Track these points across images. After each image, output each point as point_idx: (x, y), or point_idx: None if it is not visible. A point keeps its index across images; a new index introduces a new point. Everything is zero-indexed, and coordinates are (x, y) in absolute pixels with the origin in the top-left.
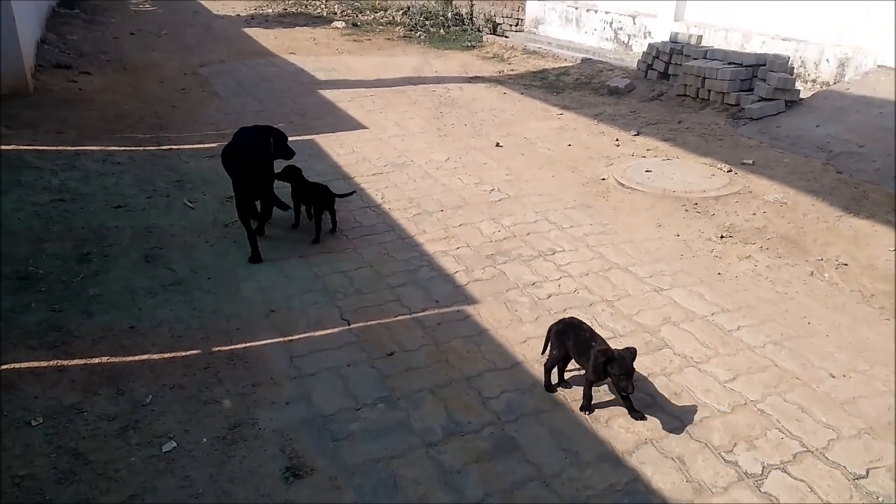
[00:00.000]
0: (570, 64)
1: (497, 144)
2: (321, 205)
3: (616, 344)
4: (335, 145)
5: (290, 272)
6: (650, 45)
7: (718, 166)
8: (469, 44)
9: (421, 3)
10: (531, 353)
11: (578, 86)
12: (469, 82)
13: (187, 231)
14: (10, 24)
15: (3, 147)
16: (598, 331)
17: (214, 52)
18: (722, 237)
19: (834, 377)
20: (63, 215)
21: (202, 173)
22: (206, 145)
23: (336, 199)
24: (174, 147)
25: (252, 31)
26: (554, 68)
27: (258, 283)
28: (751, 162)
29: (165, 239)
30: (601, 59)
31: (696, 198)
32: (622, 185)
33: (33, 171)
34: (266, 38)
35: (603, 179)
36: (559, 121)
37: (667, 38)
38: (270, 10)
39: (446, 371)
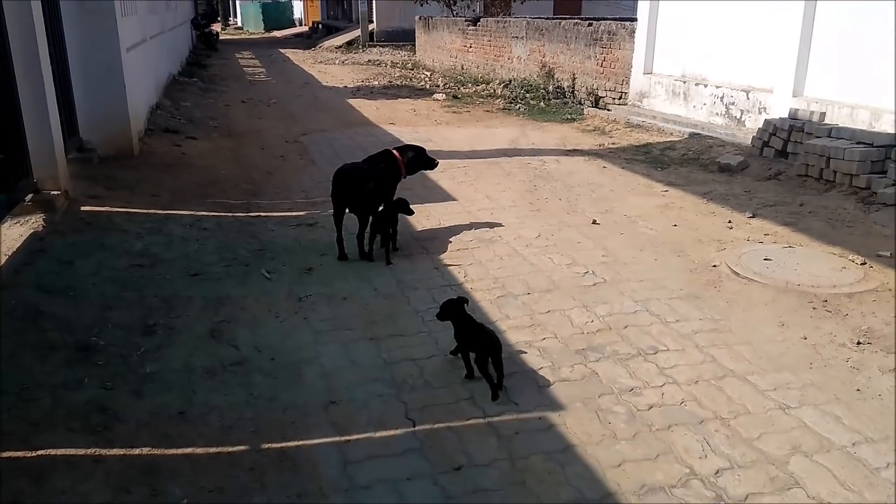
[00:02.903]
0: (677, 138)
1: (594, 222)
2: (484, 352)
3: (733, 479)
4: (421, 217)
5: (358, 356)
6: (766, 122)
7: (850, 257)
8: (569, 116)
9: (523, 76)
10: (627, 483)
11: (685, 161)
12: (567, 155)
13: (259, 303)
14: (121, 93)
15: (96, 208)
16: (711, 457)
17: (317, 121)
18: (859, 343)
19: None
20: (138, 282)
21: (285, 243)
22: (294, 213)
23: (495, 345)
24: (262, 214)
25: (355, 102)
26: (658, 142)
27: (322, 367)
28: (888, 254)
29: (236, 312)
30: (711, 134)
31: (825, 293)
32: (737, 273)
33: (119, 235)
34: (368, 108)
35: (714, 266)
36: (663, 198)
37: (785, 115)
38: (376, 83)
39: (521, 496)
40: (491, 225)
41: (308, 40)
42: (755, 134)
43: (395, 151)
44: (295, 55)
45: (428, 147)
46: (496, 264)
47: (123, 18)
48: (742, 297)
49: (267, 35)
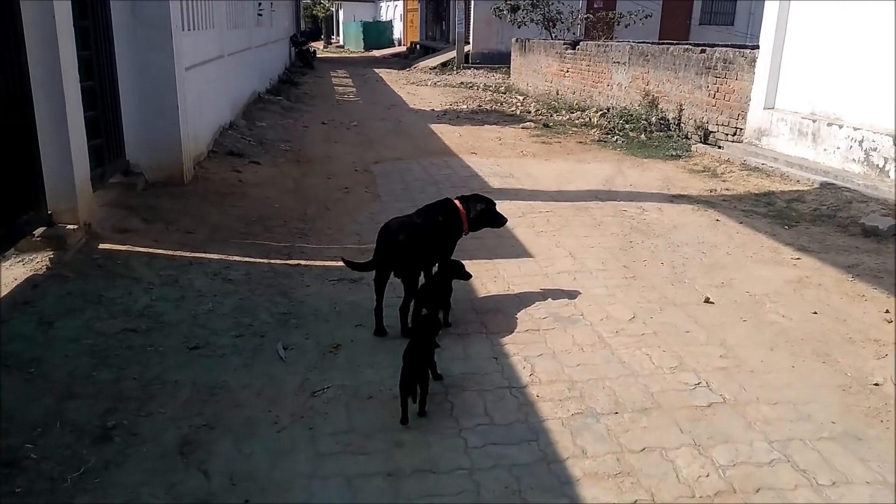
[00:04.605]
0: (805, 188)
1: (706, 300)
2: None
3: None
4: (487, 278)
5: (366, 495)
6: None
7: None
8: (674, 153)
9: (622, 105)
10: None
11: (818, 219)
12: (671, 202)
13: (260, 398)
14: (174, 115)
15: (116, 247)
16: None
17: (394, 147)
18: None
19: None
20: (122, 355)
21: (318, 305)
22: (340, 263)
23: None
24: (303, 263)
25: (438, 128)
26: (783, 192)
27: None
28: None
29: (225, 411)
30: (847, 184)
31: None
32: None
33: (127, 284)
34: (450, 135)
35: (876, 385)
36: (795, 269)
37: None
38: (465, 107)
39: None
40: (572, 296)
41: (404, 60)
42: None
43: (457, 202)
44: (388, 75)
45: (509, 184)
46: (574, 359)
47: (185, 34)
48: None
49: (366, 54)
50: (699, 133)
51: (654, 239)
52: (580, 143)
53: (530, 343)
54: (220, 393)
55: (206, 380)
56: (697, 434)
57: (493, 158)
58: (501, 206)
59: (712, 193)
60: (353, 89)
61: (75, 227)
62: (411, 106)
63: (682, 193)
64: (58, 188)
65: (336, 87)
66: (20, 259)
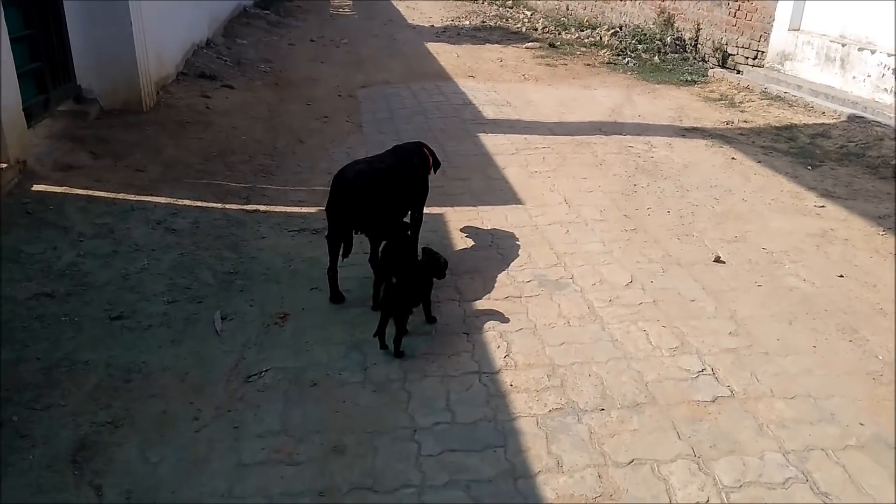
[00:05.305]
0: (831, 121)
1: (716, 259)
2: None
3: None
4: (470, 230)
5: None
6: None
7: None
8: (689, 77)
9: (636, 23)
10: None
11: (845, 158)
12: (683, 136)
13: (183, 384)
14: (126, 32)
15: (52, 189)
16: None
17: (385, 69)
18: None
19: None
20: (29, 328)
21: (270, 262)
22: (303, 210)
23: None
24: (261, 209)
25: (435, 47)
26: (806, 125)
27: None
28: None
29: (137, 402)
30: (877, 118)
31: None
32: None
33: (54, 235)
34: (448, 56)
35: None
36: (819, 219)
37: None
38: (467, 22)
39: None
40: (562, 254)
41: None
42: None
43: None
44: None
45: (504, 114)
46: (558, 335)
47: None
48: None
49: None
50: (717, 56)
51: (662, 181)
52: (588, 65)
53: (509, 313)
54: (137, 378)
55: (124, 360)
56: (698, 441)
57: (491, 83)
58: (494, 140)
59: (728, 126)
60: (350, 2)
61: (4, 165)
62: (409, 21)
63: (695, 126)
64: None
65: (332, 0)
66: None
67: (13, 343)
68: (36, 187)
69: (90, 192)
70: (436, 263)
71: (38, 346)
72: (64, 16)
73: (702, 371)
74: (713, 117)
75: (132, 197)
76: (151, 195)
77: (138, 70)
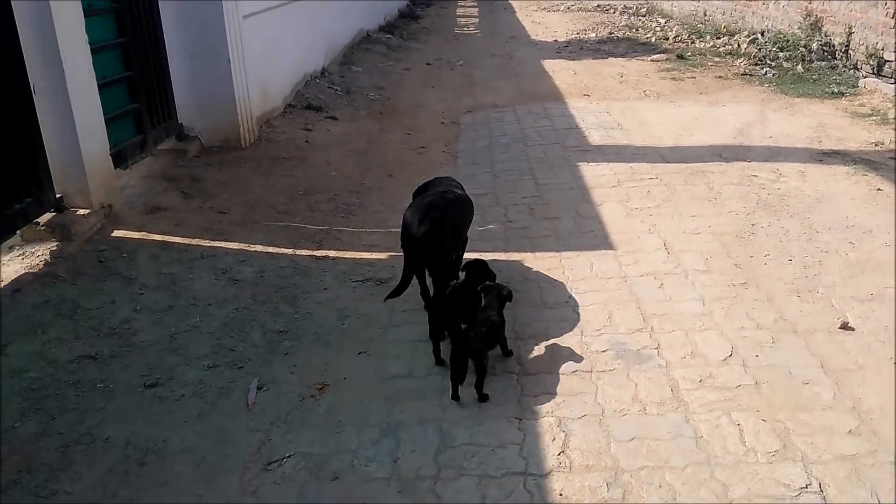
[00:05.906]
0: None
1: (844, 325)
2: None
3: None
4: (548, 282)
5: None
6: None
7: None
8: (835, 89)
9: (778, 27)
10: None
11: None
12: (820, 161)
13: (195, 473)
14: (225, 69)
15: (131, 235)
16: None
17: (495, 91)
18: None
19: None
20: (62, 396)
21: (323, 319)
22: (373, 255)
23: None
24: (331, 254)
25: (552, 64)
26: None
27: None
28: None
29: (144, 492)
30: None
31: None
32: None
33: (116, 287)
34: (563, 73)
35: None
36: None
37: None
38: (593, 35)
39: None
40: (650, 315)
41: None
42: None
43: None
44: (521, 2)
45: (612, 139)
46: (629, 427)
47: None
48: None
49: None
50: (871, 63)
51: (787, 220)
52: (719, 77)
53: (574, 393)
54: (152, 461)
55: (145, 437)
56: None
57: (605, 102)
58: (595, 171)
59: (877, 148)
60: (476, 20)
61: (87, 212)
62: (532, 37)
63: (836, 149)
64: (66, 167)
65: (458, 19)
66: (21, 252)
67: (42, 413)
68: (116, 233)
69: (166, 238)
70: (500, 297)
71: (65, 416)
72: (165, 54)
73: (805, 487)
74: (859, 137)
75: (206, 243)
76: (225, 240)
77: (237, 106)
